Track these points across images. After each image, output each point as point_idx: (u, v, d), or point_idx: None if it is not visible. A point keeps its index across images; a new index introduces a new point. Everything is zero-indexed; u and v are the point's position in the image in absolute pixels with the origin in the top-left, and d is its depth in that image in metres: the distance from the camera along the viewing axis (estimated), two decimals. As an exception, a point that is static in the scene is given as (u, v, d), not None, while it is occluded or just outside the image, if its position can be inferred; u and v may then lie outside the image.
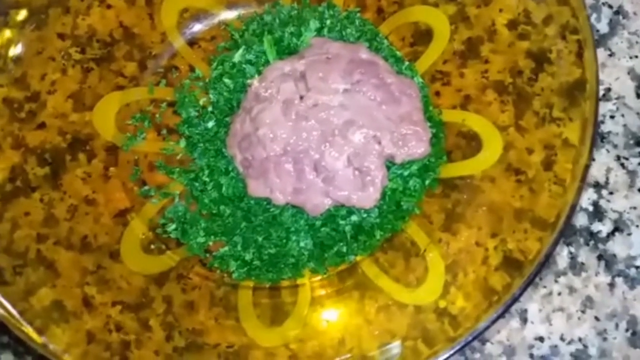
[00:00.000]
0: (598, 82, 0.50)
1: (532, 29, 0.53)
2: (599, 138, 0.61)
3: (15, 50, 0.54)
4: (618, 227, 0.60)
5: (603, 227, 0.60)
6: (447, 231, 0.53)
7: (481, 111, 0.54)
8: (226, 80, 0.57)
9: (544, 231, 0.49)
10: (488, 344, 0.58)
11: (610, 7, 0.64)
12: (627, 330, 0.58)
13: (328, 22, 0.58)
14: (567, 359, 0.58)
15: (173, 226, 0.56)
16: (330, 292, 0.54)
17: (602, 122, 0.62)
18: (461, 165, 0.54)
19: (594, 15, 0.64)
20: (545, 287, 0.59)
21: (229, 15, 0.60)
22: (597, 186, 0.61)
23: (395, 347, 0.50)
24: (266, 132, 0.52)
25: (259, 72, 0.56)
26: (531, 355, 0.58)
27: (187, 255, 0.55)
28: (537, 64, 0.53)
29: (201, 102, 0.58)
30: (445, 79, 0.56)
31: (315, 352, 0.50)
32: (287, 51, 0.57)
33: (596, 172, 0.61)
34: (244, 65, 0.57)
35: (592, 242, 0.60)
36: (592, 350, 0.58)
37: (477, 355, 0.58)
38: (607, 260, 0.59)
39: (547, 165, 0.51)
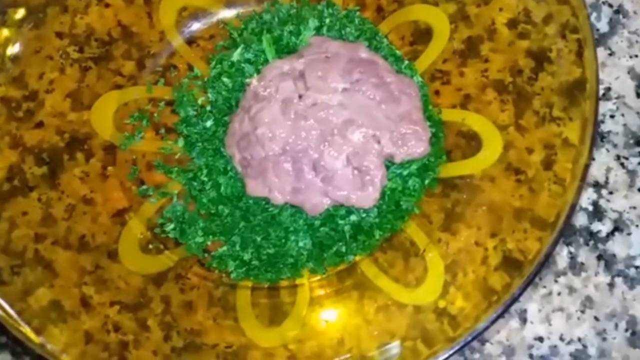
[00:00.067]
0: (598, 81, 0.50)
1: (532, 28, 0.53)
2: (598, 137, 0.61)
3: (13, 49, 0.53)
4: (618, 227, 0.60)
5: (603, 227, 0.60)
6: (447, 231, 0.53)
7: (481, 110, 0.54)
8: (225, 79, 0.57)
9: (543, 231, 0.49)
10: (487, 344, 0.58)
11: (611, 6, 0.64)
12: (626, 330, 0.58)
13: (327, 20, 0.58)
14: (567, 359, 0.58)
15: (171, 226, 0.55)
16: (329, 292, 0.54)
17: (602, 121, 0.62)
18: (461, 165, 0.54)
19: (594, 14, 0.64)
20: (544, 287, 0.59)
21: (227, 14, 0.60)
22: (597, 186, 0.61)
23: (395, 347, 0.50)
24: (265, 132, 0.52)
25: (258, 71, 0.56)
26: (530, 356, 0.58)
27: (186, 255, 0.55)
28: (537, 63, 0.53)
29: (200, 101, 0.58)
30: (445, 78, 0.56)
31: (314, 352, 0.50)
32: (286, 50, 0.57)
33: (596, 172, 0.61)
34: (242, 64, 0.57)
35: (591, 242, 0.59)
36: (592, 351, 0.58)
37: (477, 356, 0.58)
38: (607, 260, 0.59)
39: (547, 164, 0.51)
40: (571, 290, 0.59)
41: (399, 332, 0.50)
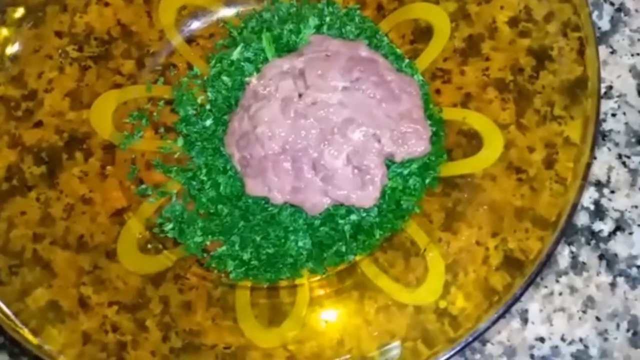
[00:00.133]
0: (600, 79, 0.50)
1: (533, 26, 0.53)
2: (600, 136, 0.61)
3: (13, 49, 0.54)
4: (619, 227, 0.59)
5: (604, 227, 0.59)
6: (448, 230, 0.52)
7: (482, 109, 0.54)
8: (224, 78, 0.57)
9: (545, 230, 0.49)
10: (488, 345, 0.58)
11: (612, 4, 0.64)
12: (628, 330, 0.58)
13: (327, 19, 0.58)
14: (569, 360, 0.57)
15: (170, 225, 0.55)
16: (329, 292, 0.54)
17: (604, 120, 0.61)
18: (462, 164, 0.54)
19: (596, 13, 0.63)
20: (546, 287, 0.58)
21: (227, 12, 0.60)
22: (599, 185, 0.60)
23: (395, 347, 0.49)
24: (264, 131, 0.52)
25: (258, 70, 0.56)
26: (532, 356, 0.57)
27: (185, 255, 0.55)
28: (538, 61, 0.53)
29: (199, 100, 0.58)
30: (445, 77, 0.56)
31: (314, 352, 0.50)
32: (286, 49, 0.57)
33: (597, 171, 0.60)
34: (242, 63, 0.57)
35: (593, 242, 0.59)
36: (593, 351, 0.57)
37: (478, 356, 0.57)
38: (609, 260, 0.59)
39: (549, 163, 0.51)
40: (573, 290, 0.58)
41: (399, 332, 0.50)
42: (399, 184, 0.54)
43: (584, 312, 0.58)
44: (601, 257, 0.59)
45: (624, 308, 0.58)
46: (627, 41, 0.63)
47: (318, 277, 0.55)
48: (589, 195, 0.60)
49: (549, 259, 0.48)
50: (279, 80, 0.53)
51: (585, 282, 0.59)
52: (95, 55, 0.57)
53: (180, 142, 0.57)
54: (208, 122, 0.56)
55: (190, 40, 0.59)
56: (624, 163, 0.61)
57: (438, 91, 0.56)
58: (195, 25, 0.59)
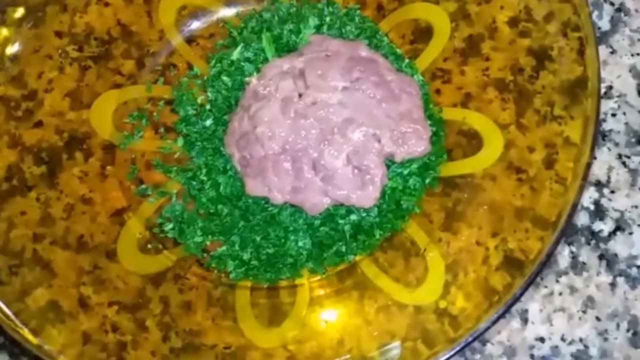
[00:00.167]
0: (600, 79, 0.50)
1: (533, 26, 0.53)
2: (600, 136, 0.61)
3: (13, 49, 0.54)
4: (619, 226, 0.59)
5: (604, 227, 0.59)
6: (448, 230, 0.52)
7: (482, 109, 0.54)
8: (224, 78, 0.57)
9: (545, 230, 0.49)
10: (488, 345, 0.58)
11: (612, 4, 0.64)
12: (628, 330, 0.58)
13: (327, 19, 0.58)
14: (569, 360, 0.57)
15: (170, 225, 0.55)
16: (329, 292, 0.54)
17: (604, 120, 0.61)
18: (462, 164, 0.54)
19: (596, 13, 0.63)
20: (546, 287, 0.58)
21: (227, 12, 0.60)
22: (599, 185, 0.60)
23: (395, 347, 0.49)
24: (264, 131, 0.52)
25: (258, 70, 0.56)
26: (532, 356, 0.57)
27: (185, 255, 0.55)
28: (538, 61, 0.53)
29: (199, 100, 0.58)
30: (445, 77, 0.56)
31: (314, 352, 0.50)
32: (286, 49, 0.57)
33: (597, 171, 0.60)
34: (242, 63, 0.57)
35: (593, 242, 0.59)
36: (593, 351, 0.57)
37: (478, 356, 0.57)
38: (609, 260, 0.59)
39: (549, 163, 0.50)
40: (573, 290, 0.58)
41: (399, 332, 0.50)
42: (399, 184, 0.54)
43: (584, 312, 0.58)
44: (601, 257, 0.59)
45: (624, 308, 0.58)
46: (627, 41, 0.63)
47: (318, 277, 0.54)
48: (589, 195, 0.60)
49: (549, 259, 0.48)
50: (279, 80, 0.53)
51: (585, 282, 0.59)
52: (95, 55, 0.57)
53: (180, 142, 0.57)
54: (208, 122, 0.56)
55: (190, 40, 0.59)
56: (624, 163, 0.61)
57: (438, 91, 0.56)
58: (195, 25, 0.59)
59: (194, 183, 0.56)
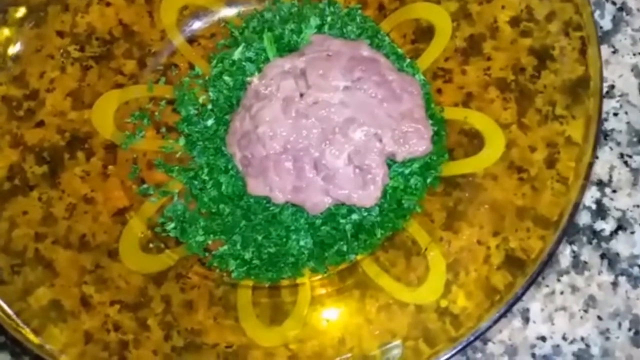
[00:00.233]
0: (602, 79, 0.50)
1: (535, 25, 0.53)
2: (602, 136, 0.61)
3: (14, 48, 0.54)
4: (621, 226, 0.59)
5: (606, 226, 0.59)
6: (449, 230, 0.52)
7: (483, 109, 0.54)
8: (226, 78, 0.57)
9: (546, 230, 0.49)
10: (490, 344, 0.58)
11: (614, 3, 0.64)
12: (629, 329, 0.58)
13: (329, 19, 0.58)
14: (570, 359, 0.57)
15: (172, 225, 0.55)
16: (330, 291, 0.54)
17: (606, 119, 0.61)
18: (463, 163, 0.54)
19: (597, 12, 0.63)
20: (547, 286, 0.58)
21: (228, 12, 0.60)
22: (600, 184, 0.60)
23: (396, 346, 0.49)
24: (266, 130, 0.52)
25: (259, 70, 0.56)
26: (533, 355, 0.57)
27: (186, 254, 0.55)
28: (539, 61, 0.53)
29: (201, 100, 0.58)
30: (447, 77, 0.56)
31: (315, 352, 0.50)
32: (287, 48, 0.57)
33: (599, 170, 0.60)
34: (243, 63, 0.57)
35: (595, 241, 0.59)
36: (595, 350, 0.57)
37: (479, 355, 0.57)
38: (610, 259, 0.59)
39: (550, 163, 0.50)
40: (574, 289, 0.58)
41: (400, 331, 0.50)
42: (400, 184, 0.54)
43: (586, 311, 0.58)
44: (603, 256, 0.59)
45: (625, 307, 0.58)
46: (629, 40, 0.63)
47: (319, 276, 0.55)
48: (591, 195, 0.60)
49: (551, 258, 0.48)
50: (280, 80, 0.53)
51: (587, 281, 0.58)
52: (96, 55, 0.57)
53: (182, 141, 0.57)
54: (209, 122, 0.57)
55: (191, 40, 0.59)
56: (625, 162, 0.61)
57: (439, 91, 0.56)
58: (197, 25, 0.59)
59: (196, 182, 0.56)
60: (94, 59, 0.56)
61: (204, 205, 0.55)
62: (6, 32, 0.53)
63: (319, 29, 0.57)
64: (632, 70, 0.62)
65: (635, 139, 0.61)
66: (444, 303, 0.50)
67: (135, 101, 0.58)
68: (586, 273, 0.59)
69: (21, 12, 0.53)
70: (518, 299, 0.48)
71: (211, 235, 0.55)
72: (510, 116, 0.53)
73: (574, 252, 0.59)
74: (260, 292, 0.54)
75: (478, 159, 0.53)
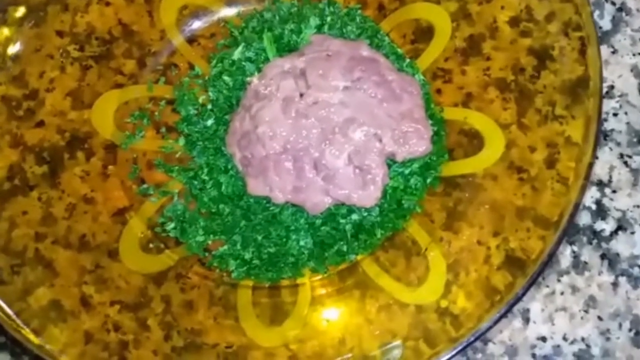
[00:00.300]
0: (601, 79, 0.50)
1: (534, 25, 0.53)
2: (602, 136, 0.61)
3: (14, 48, 0.53)
4: (621, 226, 0.59)
5: (606, 226, 0.59)
6: (449, 230, 0.52)
7: (483, 109, 0.54)
8: (225, 78, 0.57)
9: (546, 230, 0.49)
10: (490, 344, 0.58)
11: (614, 3, 0.64)
12: (630, 330, 0.58)
13: (328, 19, 0.58)
14: (570, 359, 0.57)
15: (172, 225, 0.55)
16: (330, 291, 0.54)
17: (605, 119, 0.61)
18: (463, 164, 0.54)
19: (597, 12, 0.63)
20: (547, 286, 0.58)
21: (228, 12, 0.60)
22: (600, 184, 0.60)
23: (397, 347, 0.49)
24: (266, 130, 0.52)
25: (259, 70, 0.56)
26: (533, 355, 0.57)
27: (186, 254, 0.55)
28: (539, 61, 0.53)
29: (200, 100, 0.58)
30: (446, 77, 0.56)
31: (316, 352, 0.50)
32: (287, 48, 0.57)
33: (599, 171, 0.60)
34: (243, 63, 0.57)
35: (595, 241, 0.59)
36: (595, 350, 0.57)
37: (479, 356, 0.57)
38: (611, 260, 0.59)
39: (550, 163, 0.50)
40: (574, 289, 0.58)
41: (400, 331, 0.50)
42: (400, 184, 0.54)
43: (586, 311, 0.58)
44: (603, 256, 0.59)
45: (626, 308, 0.58)
46: (629, 41, 0.63)
47: (319, 277, 0.54)
48: (591, 195, 0.60)
49: (551, 258, 0.48)
50: (280, 80, 0.53)
51: (587, 281, 0.58)
52: (96, 55, 0.57)
53: (182, 141, 0.57)
54: (209, 122, 0.56)
55: (191, 40, 0.59)
56: (625, 163, 0.61)
57: (439, 91, 0.56)
58: (197, 25, 0.59)
59: (196, 182, 0.56)
60: (94, 59, 0.56)
61: (204, 205, 0.55)
62: (6, 31, 0.53)
63: (319, 29, 0.57)
64: (631, 70, 0.62)
65: (635, 139, 0.61)
66: (444, 303, 0.50)
67: (135, 101, 0.58)
68: (586, 273, 0.59)
69: (21, 11, 0.53)
70: (518, 299, 0.48)
71: (211, 235, 0.55)
72: (510, 116, 0.53)
73: (574, 252, 0.59)
74: (260, 292, 0.54)
75: (478, 159, 0.53)
